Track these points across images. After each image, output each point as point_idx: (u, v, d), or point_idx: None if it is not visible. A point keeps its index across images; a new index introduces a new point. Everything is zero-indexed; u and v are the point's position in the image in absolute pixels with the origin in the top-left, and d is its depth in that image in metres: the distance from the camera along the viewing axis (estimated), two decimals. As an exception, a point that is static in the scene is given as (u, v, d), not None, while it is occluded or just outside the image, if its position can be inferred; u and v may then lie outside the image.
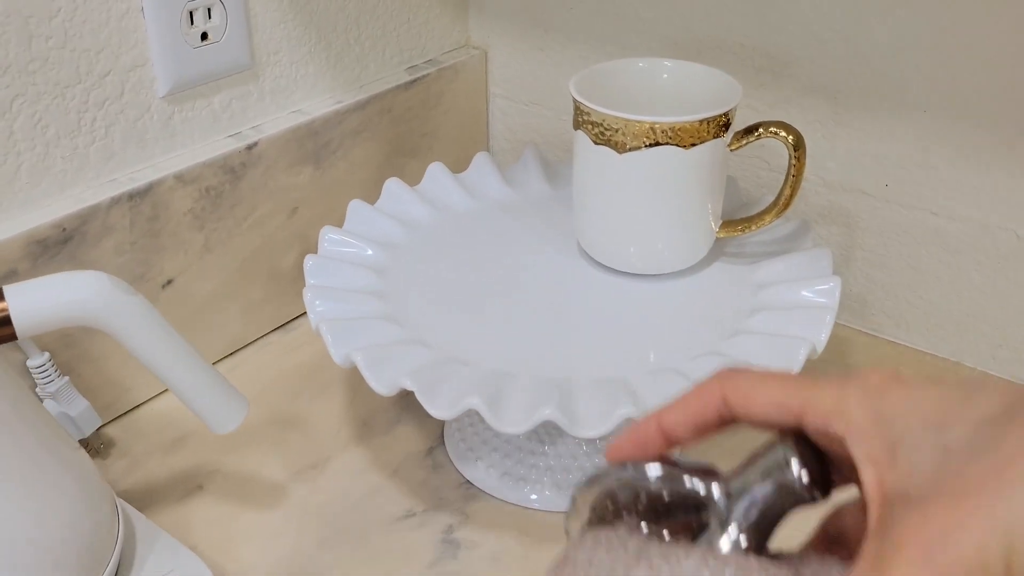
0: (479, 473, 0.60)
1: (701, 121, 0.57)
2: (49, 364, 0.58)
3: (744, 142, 0.60)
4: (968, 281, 0.67)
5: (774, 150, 0.71)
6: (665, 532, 0.30)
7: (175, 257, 0.65)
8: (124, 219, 0.62)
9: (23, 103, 0.57)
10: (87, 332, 0.61)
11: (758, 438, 0.31)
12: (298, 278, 0.74)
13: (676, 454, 0.31)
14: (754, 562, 0.29)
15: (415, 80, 0.78)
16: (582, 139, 0.60)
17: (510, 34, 0.82)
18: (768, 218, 0.62)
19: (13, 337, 0.44)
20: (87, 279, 0.46)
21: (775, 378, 0.30)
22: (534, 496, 0.59)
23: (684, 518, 0.30)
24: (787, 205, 0.61)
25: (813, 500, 0.29)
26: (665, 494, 0.30)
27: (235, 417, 0.52)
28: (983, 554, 0.23)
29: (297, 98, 0.72)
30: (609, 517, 0.31)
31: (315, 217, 0.73)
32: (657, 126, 0.57)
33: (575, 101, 0.60)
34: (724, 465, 0.31)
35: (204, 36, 0.64)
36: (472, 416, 0.62)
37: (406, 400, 0.66)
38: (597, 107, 0.58)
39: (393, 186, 0.68)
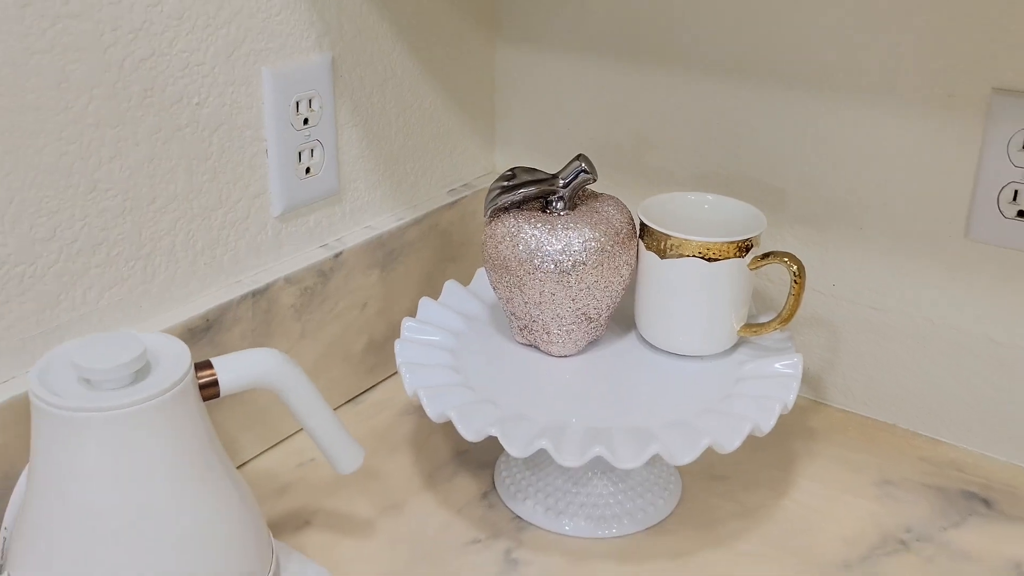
0: (527, 509, 0.77)
1: (726, 243, 0.75)
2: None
3: (761, 264, 0.77)
4: (898, 360, 0.87)
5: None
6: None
7: (281, 342, 0.82)
8: (248, 312, 0.79)
9: (182, 223, 0.74)
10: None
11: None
12: (365, 360, 0.91)
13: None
14: (569, 212, 0.78)
15: (455, 201, 0.97)
16: (644, 252, 0.78)
17: (529, 161, 1.02)
18: (773, 326, 0.78)
19: (217, 395, 0.61)
20: (268, 354, 0.63)
21: None
22: (568, 527, 0.76)
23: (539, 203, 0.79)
24: (788, 318, 0.77)
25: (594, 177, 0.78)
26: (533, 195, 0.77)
27: (356, 460, 0.69)
28: None
29: (369, 216, 0.90)
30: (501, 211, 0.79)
31: (381, 310, 0.91)
32: (694, 243, 0.75)
33: (641, 221, 0.78)
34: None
35: (308, 170, 0.82)
36: (518, 465, 0.80)
37: (460, 458, 0.83)
38: (656, 226, 0.76)
39: (452, 286, 0.86)
